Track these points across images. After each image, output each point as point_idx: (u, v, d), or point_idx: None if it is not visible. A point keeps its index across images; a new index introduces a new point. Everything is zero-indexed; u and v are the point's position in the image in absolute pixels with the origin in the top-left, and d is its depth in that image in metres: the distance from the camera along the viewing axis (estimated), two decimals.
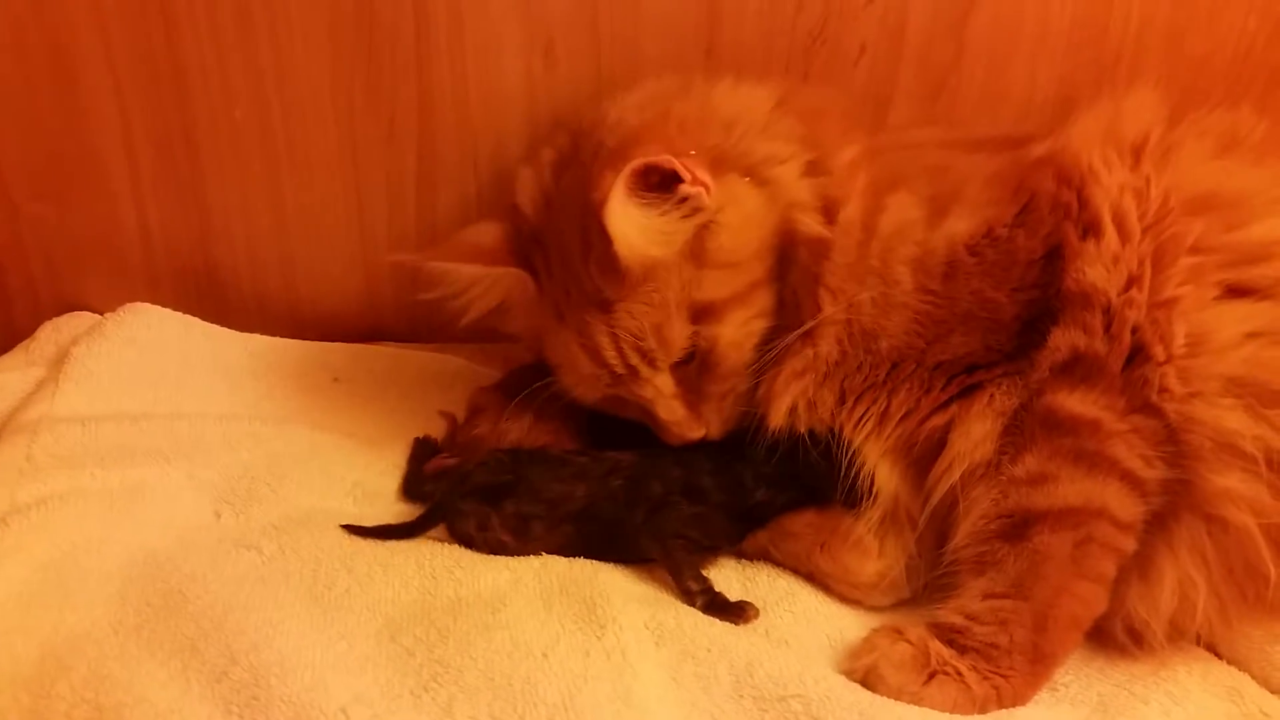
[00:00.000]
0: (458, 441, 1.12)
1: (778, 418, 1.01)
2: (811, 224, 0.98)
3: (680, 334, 0.98)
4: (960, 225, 0.96)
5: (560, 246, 1.01)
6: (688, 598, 0.98)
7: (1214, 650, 0.96)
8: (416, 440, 1.15)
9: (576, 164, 1.02)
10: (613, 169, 0.91)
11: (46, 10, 1.14)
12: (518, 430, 1.09)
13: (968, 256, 0.96)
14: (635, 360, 0.99)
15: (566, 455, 1.05)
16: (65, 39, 1.16)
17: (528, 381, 1.10)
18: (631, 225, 0.93)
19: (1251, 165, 1.00)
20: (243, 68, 1.19)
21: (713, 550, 1.04)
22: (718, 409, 1.03)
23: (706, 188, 0.94)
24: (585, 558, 1.02)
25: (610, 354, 0.99)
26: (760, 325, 1.00)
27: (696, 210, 0.94)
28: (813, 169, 1.00)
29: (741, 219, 0.97)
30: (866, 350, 0.99)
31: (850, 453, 1.00)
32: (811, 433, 1.02)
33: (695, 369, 1.01)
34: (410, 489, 1.10)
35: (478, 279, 1.05)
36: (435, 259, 1.05)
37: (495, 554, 1.01)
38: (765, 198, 0.98)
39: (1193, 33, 1.22)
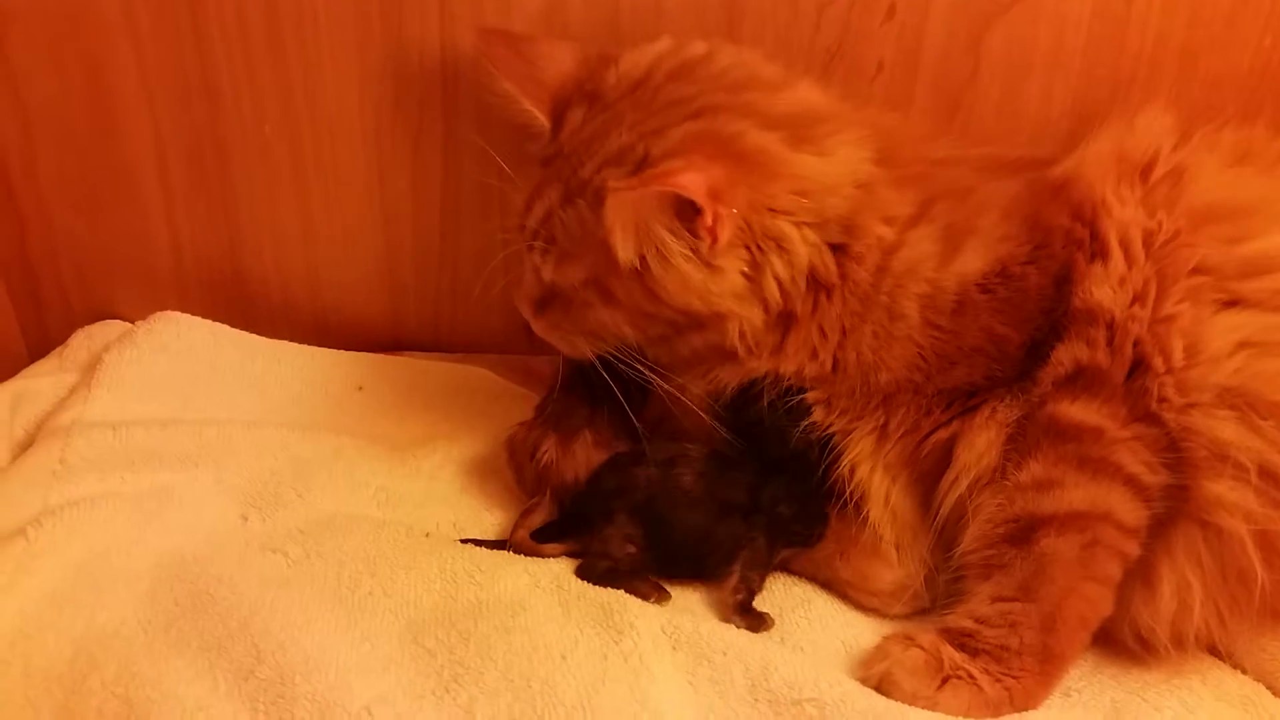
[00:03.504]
0: (527, 479, 1.11)
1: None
2: (734, 331, 0.99)
3: (572, 271, 1.00)
4: (973, 263, 0.97)
5: (595, 130, 0.99)
6: (740, 588, 1.00)
7: (1228, 659, 0.96)
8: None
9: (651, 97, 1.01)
10: (647, 178, 0.90)
11: (83, 29, 1.17)
12: (582, 448, 1.09)
13: (979, 294, 0.97)
14: (533, 237, 1.01)
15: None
16: (101, 56, 1.19)
17: (560, 407, 1.12)
18: (630, 216, 0.91)
19: (1264, 174, 1.02)
20: (273, 85, 1.22)
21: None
22: (555, 325, 1.06)
23: (714, 240, 0.92)
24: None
25: (533, 214, 1.01)
26: (656, 331, 1.01)
27: (689, 247, 0.93)
28: (841, 248, 0.99)
29: (718, 288, 0.96)
30: (863, 380, 0.99)
31: (842, 464, 1.01)
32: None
33: (567, 299, 1.03)
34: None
35: (511, 96, 1.06)
36: (494, 57, 1.07)
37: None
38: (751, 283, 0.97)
39: (1208, 50, 1.22)
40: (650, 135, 0.95)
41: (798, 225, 0.96)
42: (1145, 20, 1.21)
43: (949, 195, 1.01)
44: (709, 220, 0.90)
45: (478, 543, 1.05)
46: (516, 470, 1.12)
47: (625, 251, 0.93)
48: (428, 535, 1.06)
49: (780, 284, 0.97)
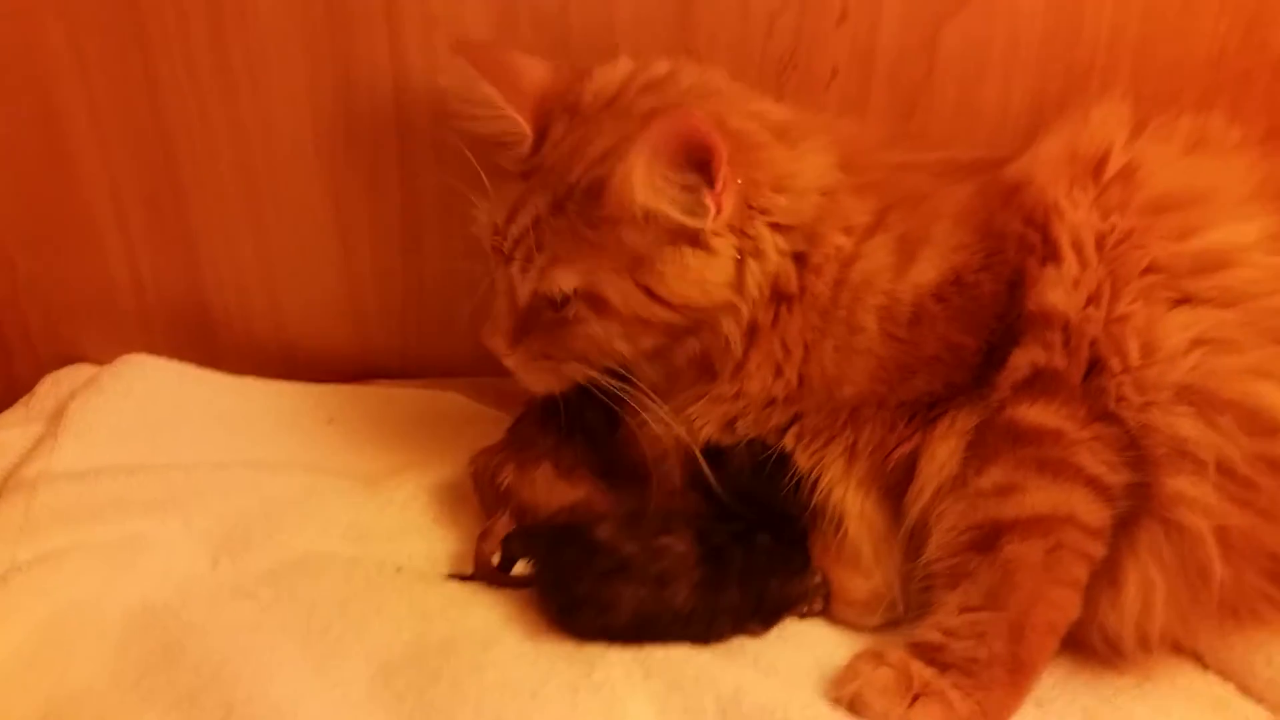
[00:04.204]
0: (487, 502, 1.11)
1: (711, 428, 1.03)
2: (733, 327, 0.98)
3: (566, 279, 0.96)
4: (928, 273, 0.97)
5: (576, 141, 0.99)
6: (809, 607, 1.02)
7: (1199, 660, 0.97)
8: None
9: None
10: (649, 131, 0.89)
11: (33, 75, 1.17)
12: (543, 477, 1.09)
13: (935, 304, 0.96)
14: (515, 248, 0.98)
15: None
16: (52, 100, 1.18)
17: (527, 433, 1.12)
18: (646, 170, 0.90)
19: (1219, 160, 1.01)
20: (225, 123, 1.21)
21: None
22: (535, 355, 1.02)
23: (718, 210, 0.93)
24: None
25: (516, 225, 0.98)
26: (648, 344, 0.99)
27: (692, 213, 0.93)
28: (789, 260, 0.98)
29: (714, 276, 0.96)
30: (828, 395, 0.99)
31: (815, 481, 1.01)
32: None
33: (554, 318, 0.99)
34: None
35: (492, 103, 1.02)
36: (478, 64, 1.02)
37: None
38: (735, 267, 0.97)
39: (1164, 39, 1.22)
40: (630, 137, 0.93)
41: (770, 226, 0.97)
42: (1100, 11, 1.20)
43: (904, 202, 1.01)
44: (718, 182, 0.91)
45: (460, 578, 1.04)
46: (480, 495, 1.12)
47: (641, 194, 0.91)
48: (399, 570, 1.05)
49: (756, 286, 0.97)
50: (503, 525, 1.06)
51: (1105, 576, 0.92)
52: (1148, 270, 0.93)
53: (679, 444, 1.04)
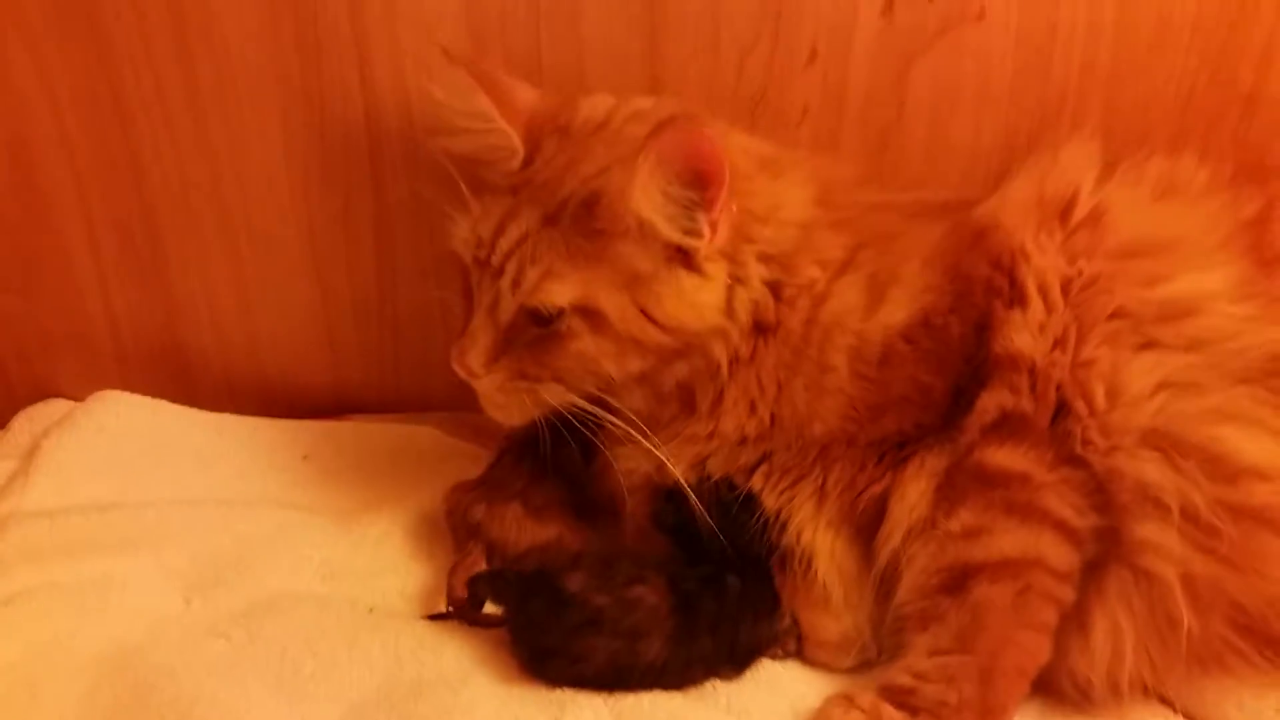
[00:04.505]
0: (459, 538, 1.12)
1: (682, 467, 1.02)
2: (722, 352, 0.99)
3: (561, 292, 0.94)
4: (897, 314, 0.98)
5: (567, 160, 0.98)
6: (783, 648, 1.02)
7: (1170, 704, 0.96)
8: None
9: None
10: (657, 140, 0.89)
11: (4, 110, 1.17)
12: (513, 516, 1.09)
13: (904, 345, 0.97)
14: (505, 260, 0.96)
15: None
16: (24, 135, 1.19)
17: (501, 471, 1.13)
18: (648, 179, 0.91)
19: (1187, 205, 1.03)
20: (197, 154, 1.21)
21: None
22: (513, 376, 0.99)
23: (713, 233, 0.94)
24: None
25: (505, 238, 0.96)
26: (636, 367, 0.98)
27: (687, 232, 0.93)
28: (771, 289, 0.99)
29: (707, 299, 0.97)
30: (798, 434, 1.00)
31: (783, 522, 1.01)
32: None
33: (538, 336, 0.97)
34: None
35: (486, 116, 1.00)
36: (474, 76, 1.00)
37: None
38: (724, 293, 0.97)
39: (1133, 76, 1.22)
40: (626, 158, 0.94)
41: (756, 256, 0.98)
42: (1069, 49, 1.21)
43: (875, 242, 1.02)
44: (718, 204, 0.92)
45: (436, 617, 1.04)
46: (453, 531, 1.12)
47: (639, 203, 0.91)
48: (371, 610, 1.05)
49: (745, 312, 0.98)
50: (473, 561, 1.06)
51: (1075, 621, 0.93)
52: (1114, 315, 0.94)
53: (647, 482, 1.05)
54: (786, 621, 1.02)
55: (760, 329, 0.99)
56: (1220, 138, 1.25)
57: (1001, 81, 1.22)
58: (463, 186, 1.01)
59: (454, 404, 1.35)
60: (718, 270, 0.96)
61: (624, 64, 1.19)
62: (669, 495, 1.03)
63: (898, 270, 1.00)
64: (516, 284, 0.96)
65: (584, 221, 0.94)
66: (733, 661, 0.99)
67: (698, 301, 0.96)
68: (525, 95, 1.04)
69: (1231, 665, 0.93)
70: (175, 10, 1.14)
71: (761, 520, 1.01)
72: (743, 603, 0.99)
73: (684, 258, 0.95)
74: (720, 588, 0.99)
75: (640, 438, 0.99)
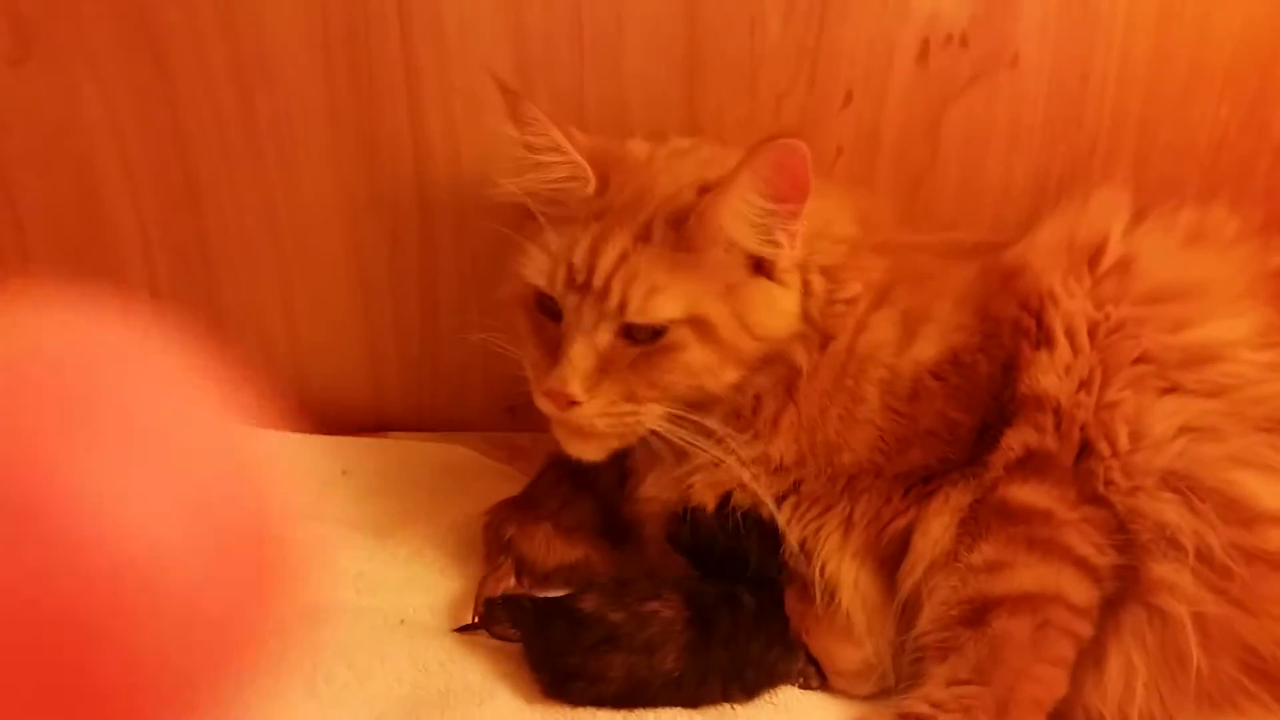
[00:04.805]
0: (491, 552, 1.14)
1: (708, 494, 1.04)
2: (803, 357, 1.02)
3: (670, 305, 0.97)
4: (928, 351, 1.00)
5: (638, 187, 1.01)
6: (804, 682, 1.03)
7: None
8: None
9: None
10: (760, 151, 0.93)
11: (71, 135, 1.22)
12: (543, 533, 1.12)
13: (933, 381, 1.00)
14: (609, 281, 0.97)
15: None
16: (88, 159, 1.24)
17: (538, 491, 1.16)
18: (741, 193, 0.95)
19: (1215, 255, 1.04)
20: (251, 180, 1.26)
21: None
22: (615, 399, 0.99)
23: (792, 245, 0.98)
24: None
25: (604, 259, 0.97)
26: (733, 378, 1.01)
27: (769, 244, 0.97)
28: (827, 300, 1.03)
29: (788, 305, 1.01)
30: (828, 462, 1.02)
31: (808, 552, 1.03)
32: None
33: (640, 354, 0.99)
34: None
35: (560, 148, 1.01)
36: (545, 117, 1.01)
37: None
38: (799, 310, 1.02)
39: (1166, 123, 1.25)
40: (692, 181, 1.00)
41: (817, 268, 1.02)
42: (1102, 95, 1.24)
43: (909, 279, 1.05)
44: (799, 215, 0.96)
45: (465, 629, 1.06)
46: (487, 545, 1.15)
47: (729, 217, 0.96)
48: (403, 622, 1.08)
49: (819, 315, 1.02)
50: (503, 574, 1.09)
51: (1090, 657, 0.94)
52: (1139, 360, 0.96)
53: (664, 509, 1.07)
54: (800, 664, 1.03)
55: (820, 344, 1.02)
56: (1252, 186, 1.28)
57: (1033, 127, 1.25)
58: (541, 219, 1.02)
59: (489, 425, 1.39)
60: (794, 280, 1.01)
61: (664, 104, 1.23)
62: (685, 516, 1.05)
63: (930, 308, 1.02)
64: (624, 303, 0.97)
65: (675, 238, 0.98)
66: (745, 680, 1.00)
67: (783, 309, 1.00)
68: (578, 134, 1.07)
69: (1242, 706, 0.93)
70: (234, 45, 1.20)
71: (771, 541, 1.03)
72: (757, 620, 1.01)
73: (766, 268, 1.00)
74: (735, 604, 1.01)
75: (723, 455, 1.02)
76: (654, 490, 1.07)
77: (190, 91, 1.22)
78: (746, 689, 1.00)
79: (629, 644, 0.96)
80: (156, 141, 1.24)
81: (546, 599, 1.03)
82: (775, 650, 1.02)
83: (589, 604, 0.98)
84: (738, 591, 1.02)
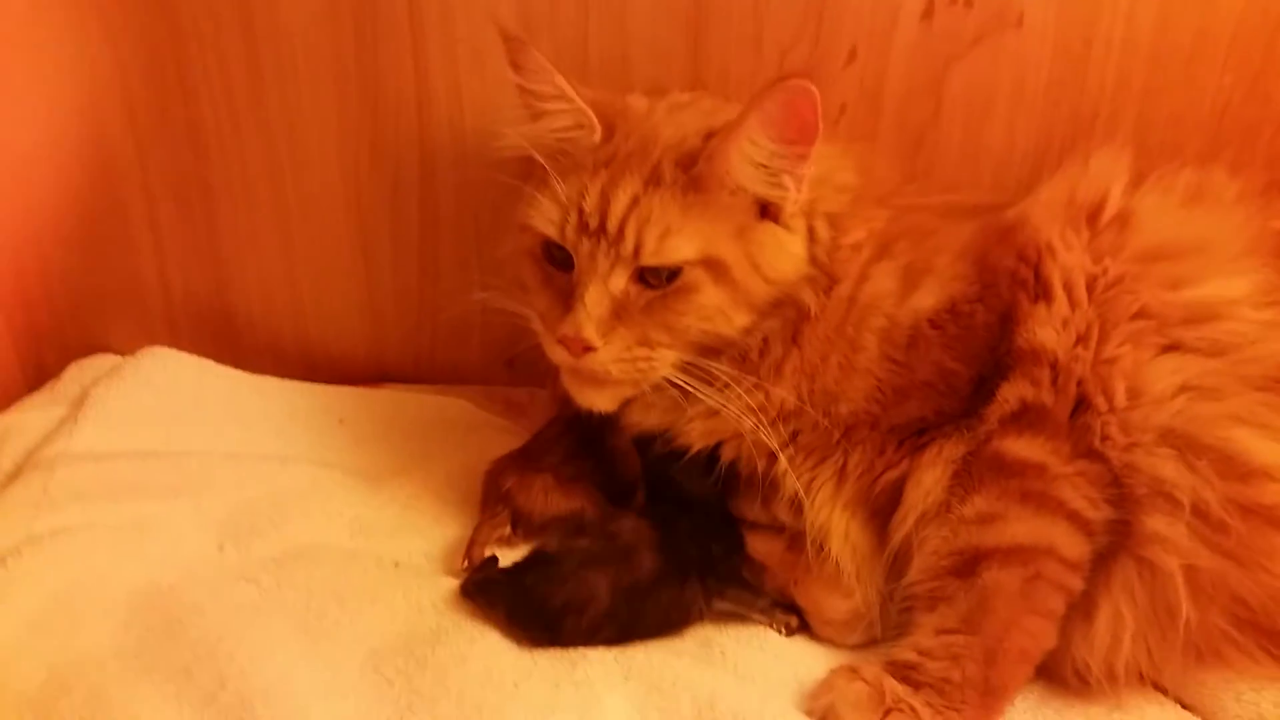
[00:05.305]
0: (488, 503, 1.15)
1: (700, 441, 1.06)
2: (811, 299, 1.02)
3: (685, 246, 0.97)
4: (927, 300, 1.01)
5: (643, 135, 1.01)
6: (768, 618, 1.05)
7: (1168, 694, 0.98)
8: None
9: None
10: (770, 91, 0.93)
11: (77, 80, 1.23)
12: (541, 484, 1.13)
13: (930, 330, 1.00)
14: (622, 225, 0.97)
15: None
16: (93, 104, 1.25)
17: (540, 445, 1.17)
18: (749, 133, 0.95)
19: (1216, 213, 1.04)
20: (255, 130, 1.27)
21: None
22: (630, 344, 0.99)
23: (799, 189, 0.99)
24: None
25: (616, 204, 0.97)
26: (745, 321, 1.01)
27: (776, 187, 0.98)
28: (831, 246, 1.03)
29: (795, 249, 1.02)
30: (825, 412, 1.02)
31: (808, 512, 1.04)
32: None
33: (654, 298, 0.99)
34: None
35: (565, 95, 1.00)
36: (548, 64, 1.00)
37: None
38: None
39: (1169, 89, 1.25)
40: (697, 129, 1.00)
41: (822, 214, 1.03)
42: (1105, 60, 1.24)
43: (911, 235, 1.05)
44: (808, 158, 0.97)
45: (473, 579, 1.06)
46: (484, 496, 1.16)
47: (736, 159, 0.96)
48: (397, 565, 1.09)
49: (826, 256, 1.03)
50: (499, 523, 1.10)
51: (1079, 609, 0.95)
52: (1137, 315, 0.96)
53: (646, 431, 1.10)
54: (764, 601, 1.05)
55: (827, 288, 1.03)
56: (1254, 155, 1.27)
57: (1036, 89, 1.25)
58: (547, 167, 1.01)
59: (487, 378, 1.39)
60: (799, 225, 1.02)
61: (668, 59, 1.24)
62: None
63: (931, 262, 1.03)
64: (639, 246, 0.97)
65: (685, 181, 0.98)
66: (720, 573, 1.03)
67: (792, 252, 1.01)
68: (577, 85, 1.06)
69: (1229, 658, 0.94)
70: None
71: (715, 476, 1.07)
72: (712, 526, 1.06)
73: (773, 212, 1.00)
74: (688, 511, 1.05)
75: (727, 402, 1.02)
76: (639, 415, 1.08)
77: (197, 38, 1.22)
78: (721, 582, 1.03)
79: (604, 558, 1.00)
80: (161, 88, 1.24)
81: (514, 565, 1.04)
82: (736, 557, 1.06)
83: (553, 544, 1.03)
84: (686, 504, 1.06)
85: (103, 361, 1.34)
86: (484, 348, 1.40)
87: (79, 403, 1.24)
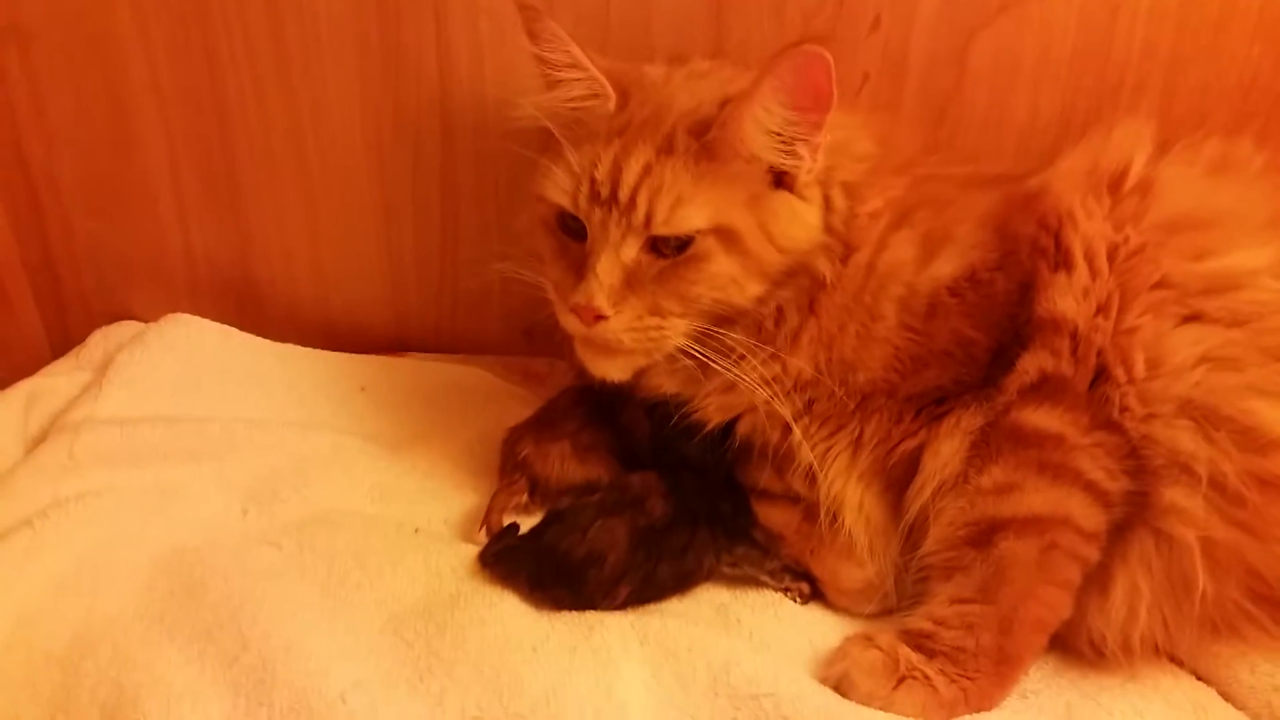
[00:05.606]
0: (505, 470, 1.16)
1: (717, 416, 1.06)
2: (827, 267, 1.01)
3: (696, 215, 0.97)
4: (946, 268, 1.00)
5: (657, 104, 1.01)
6: (779, 582, 1.06)
7: (1183, 665, 0.98)
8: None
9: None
10: (777, 64, 0.93)
11: (101, 48, 1.24)
12: (558, 452, 1.14)
13: (949, 298, 1.00)
14: (634, 194, 0.97)
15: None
16: (118, 73, 1.25)
17: (556, 413, 1.18)
18: (763, 99, 0.94)
19: (1240, 184, 1.03)
20: (280, 101, 1.27)
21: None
22: (641, 313, 0.99)
23: (813, 159, 0.98)
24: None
25: (629, 172, 0.97)
26: (757, 290, 1.01)
27: (790, 155, 0.97)
28: (848, 214, 1.03)
29: (811, 217, 1.01)
30: (842, 381, 1.02)
31: (823, 482, 1.04)
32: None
33: (666, 267, 0.99)
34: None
35: (580, 64, 1.00)
36: (564, 33, 1.00)
37: None
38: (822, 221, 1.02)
39: (1196, 59, 1.23)
40: (713, 97, 0.99)
41: (839, 183, 1.02)
42: (1131, 29, 1.22)
43: (931, 204, 1.04)
44: (823, 126, 0.96)
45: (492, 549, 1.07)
46: (502, 463, 1.17)
47: (750, 126, 0.96)
48: (417, 531, 1.10)
49: (842, 225, 1.02)
50: (516, 490, 1.11)
51: (1095, 581, 0.95)
52: (1158, 285, 0.95)
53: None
54: (773, 564, 1.06)
55: (843, 256, 1.02)
56: None
57: (1061, 58, 1.23)
58: (559, 136, 1.01)
59: (505, 348, 1.40)
60: (815, 195, 1.01)
61: (690, 27, 1.23)
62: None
63: (951, 230, 1.02)
64: (650, 214, 0.97)
65: (698, 149, 0.97)
66: (728, 528, 1.06)
67: (806, 221, 1.00)
68: (594, 55, 1.05)
69: (1244, 631, 0.94)
70: None
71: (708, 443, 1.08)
72: (718, 485, 1.08)
73: (787, 181, 1.00)
74: (694, 471, 1.08)
75: (742, 374, 1.01)
76: (658, 379, 1.08)
77: (222, 9, 1.23)
78: (730, 539, 1.05)
79: (619, 505, 1.02)
80: (187, 59, 1.25)
81: (530, 530, 1.05)
82: (744, 519, 1.07)
83: (567, 501, 1.06)
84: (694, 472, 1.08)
85: (127, 328, 1.36)
86: (503, 317, 1.40)
87: (103, 368, 1.25)
